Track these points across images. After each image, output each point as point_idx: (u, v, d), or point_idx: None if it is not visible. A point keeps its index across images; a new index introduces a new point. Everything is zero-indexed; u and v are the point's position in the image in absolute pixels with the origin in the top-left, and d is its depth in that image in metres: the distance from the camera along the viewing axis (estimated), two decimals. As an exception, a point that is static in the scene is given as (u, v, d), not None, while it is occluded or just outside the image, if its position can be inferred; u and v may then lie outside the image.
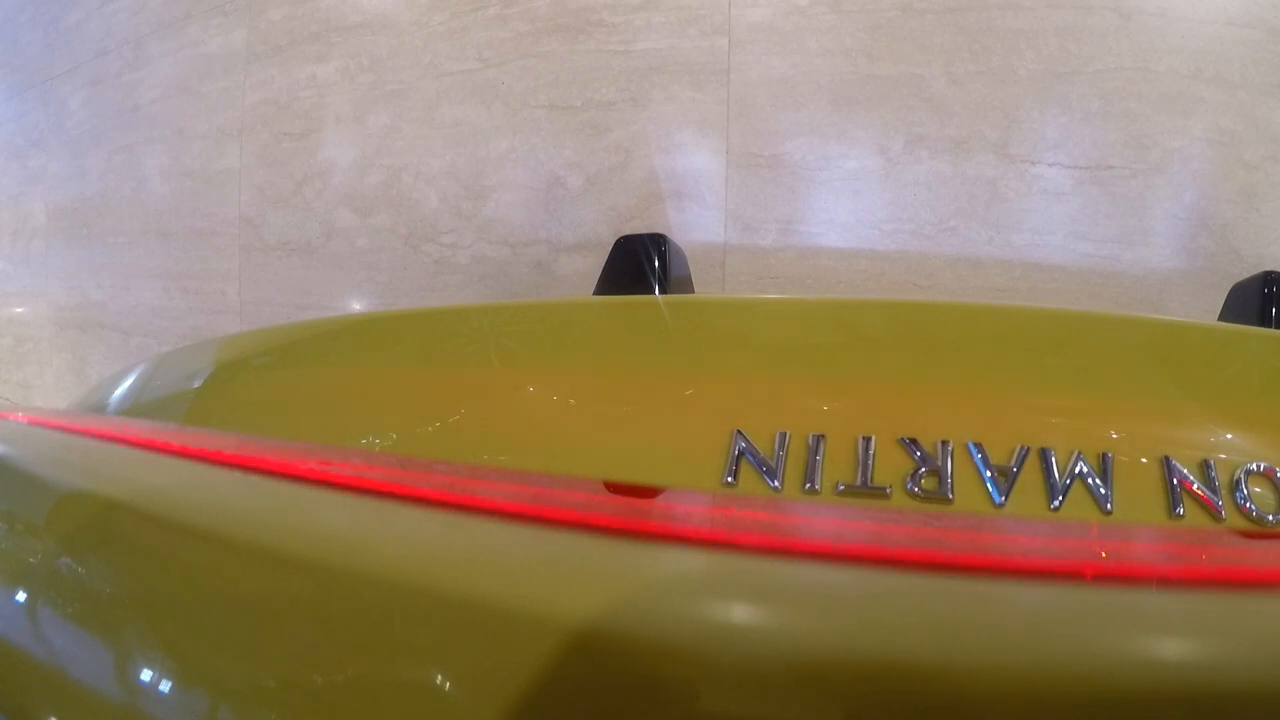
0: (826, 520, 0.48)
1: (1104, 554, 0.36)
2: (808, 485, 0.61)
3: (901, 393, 0.66)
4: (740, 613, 0.25)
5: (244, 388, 0.87)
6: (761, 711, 0.22)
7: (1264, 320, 0.97)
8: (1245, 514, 0.58)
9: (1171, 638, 0.24)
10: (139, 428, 0.64)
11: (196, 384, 0.89)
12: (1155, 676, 0.22)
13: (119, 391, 0.95)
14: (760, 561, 0.29)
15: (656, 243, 1.11)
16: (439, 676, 0.25)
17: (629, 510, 0.41)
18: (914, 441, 0.62)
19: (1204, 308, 1.37)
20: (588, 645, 0.23)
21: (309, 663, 0.27)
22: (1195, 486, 0.59)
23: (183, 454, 0.45)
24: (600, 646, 0.24)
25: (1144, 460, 0.60)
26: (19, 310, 2.54)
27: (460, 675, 0.25)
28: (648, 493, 0.46)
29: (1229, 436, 0.62)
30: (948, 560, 0.32)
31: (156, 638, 0.30)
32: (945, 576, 0.28)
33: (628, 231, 1.49)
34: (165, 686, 0.28)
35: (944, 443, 0.61)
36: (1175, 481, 0.59)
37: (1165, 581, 0.31)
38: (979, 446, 0.61)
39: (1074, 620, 0.25)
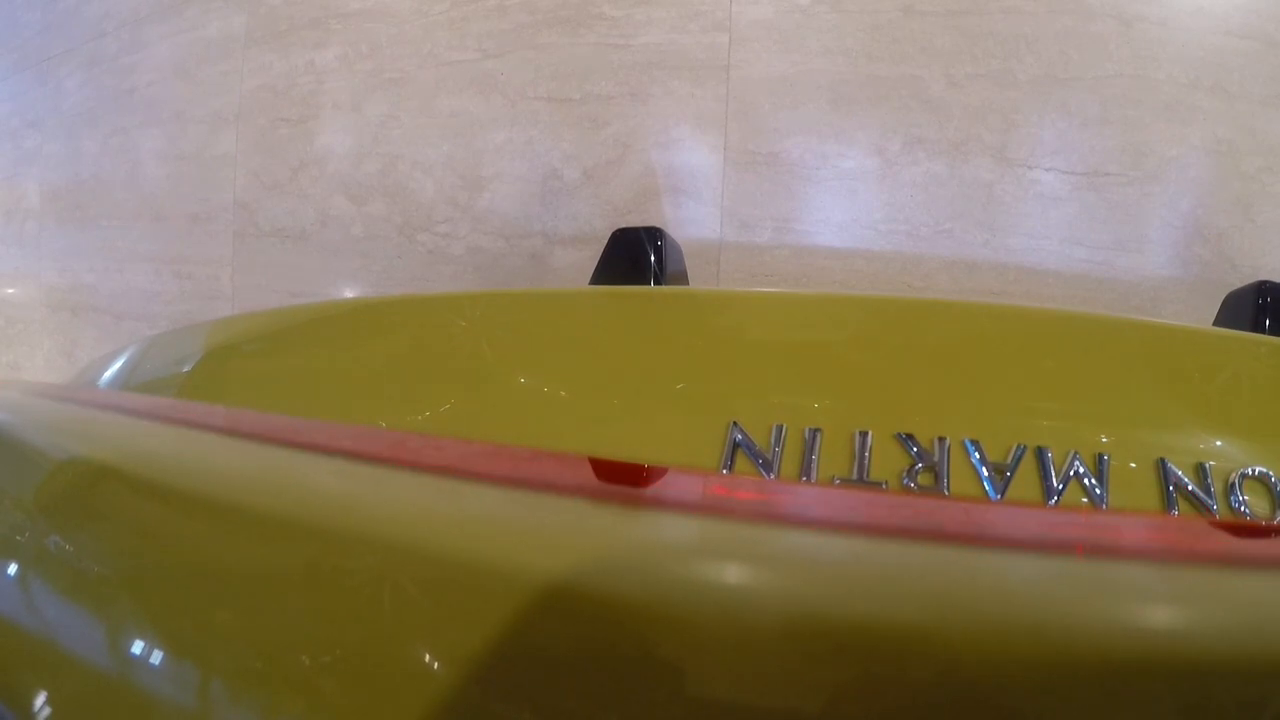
0: (819, 496, 0.48)
1: (1092, 535, 0.36)
2: (804, 478, 0.61)
3: (899, 388, 0.66)
4: (731, 574, 0.25)
5: (234, 371, 0.87)
6: (752, 672, 0.22)
7: (1258, 330, 0.97)
8: (1240, 518, 0.58)
9: (1156, 605, 0.25)
10: (130, 399, 0.64)
11: (186, 367, 0.88)
12: (1140, 642, 0.22)
13: (108, 373, 0.94)
14: (751, 527, 0.29)
15: (652, 236, 1.09)
16: (430, 637, 0.25)
17: (620, 483, 0.41)
18: (910, 437, 0.61)
19: (1198, 317, 1.38)
20: (576, 605, 0.23)
21: (300, 623, 0.27)
22: (1190, 489, 0.59)
23: (173, 422, 0.44)
24: (589, 607, 0.23)
25: (1139, 462, 0.61)
26: (10, 291, 2.52)
27: (452, 637, 0.24)
28: (638, 468, 0.45)
29: (1224, 441, 0.62)
30: (941, 532, 0.32)
31: (144, 596, 0.29)
32: (937, 545, 0.28)
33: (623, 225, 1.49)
34: (157, 653, 0.28)
35: (940, 439, 0.61)
36: (1170, 485, 0.59)
37: (1153, 556, 0.31)
38: (976, 444, 0.61)
39: (1062, 587, 0.25)
